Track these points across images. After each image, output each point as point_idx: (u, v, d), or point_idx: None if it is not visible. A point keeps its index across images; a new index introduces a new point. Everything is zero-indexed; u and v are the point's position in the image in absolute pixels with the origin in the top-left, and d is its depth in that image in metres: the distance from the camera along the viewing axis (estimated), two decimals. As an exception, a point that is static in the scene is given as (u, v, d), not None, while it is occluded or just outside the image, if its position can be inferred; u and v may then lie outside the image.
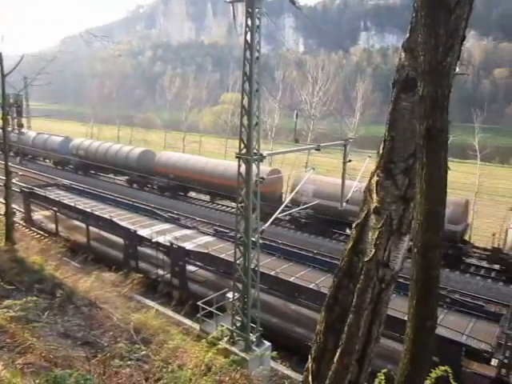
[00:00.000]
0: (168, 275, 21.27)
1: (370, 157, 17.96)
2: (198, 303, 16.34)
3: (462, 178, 45.33)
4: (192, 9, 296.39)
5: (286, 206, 18.92)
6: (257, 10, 12.54)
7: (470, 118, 47.47)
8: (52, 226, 28.22)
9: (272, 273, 17.70)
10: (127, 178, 44.29)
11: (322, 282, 16.46)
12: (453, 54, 3.33)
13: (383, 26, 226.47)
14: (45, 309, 9.13)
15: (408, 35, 3.72)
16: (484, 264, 26.17)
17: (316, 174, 28.87)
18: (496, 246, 26.82)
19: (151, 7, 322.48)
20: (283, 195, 34.06)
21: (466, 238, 28.32)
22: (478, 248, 28.40)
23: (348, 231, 27.97)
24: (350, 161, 18.32)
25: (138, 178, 42.35)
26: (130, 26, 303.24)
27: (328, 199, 27.61)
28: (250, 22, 12.62)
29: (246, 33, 12.74)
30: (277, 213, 15.12)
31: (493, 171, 53.92)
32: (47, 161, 55.99)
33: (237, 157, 13.57)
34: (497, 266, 25.26)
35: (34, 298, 8.84)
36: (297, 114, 16.16)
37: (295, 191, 20.88)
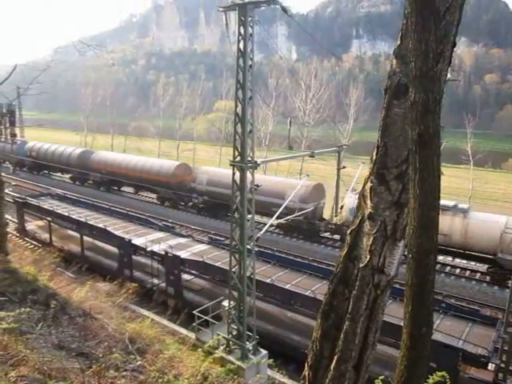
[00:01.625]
0: (163, 284, 21.15)
1: (363, 163, 18.08)
2: (194, 312, 16.24)
3: (455, 183, 45.65)
4: (185, 18, 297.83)
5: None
6: (249, 18, 12.63)
7: (462, 124, 47.89)
8: (46, 236, 28.02)
9: (267, 280, 17.65)
10: (71, 175, 49.52)
11: (318, 289, 16.42)
12: (443, 60, 3.36)
13: (375, 34, 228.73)
14: (38, 320, 9.02)
15: (399, 42, 3.75)
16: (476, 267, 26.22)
17: (209, 166, 39.17)
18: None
19: (144, 16, 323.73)
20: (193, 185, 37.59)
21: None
22: (330, 224, 30.21)
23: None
24: (344, 167, 18.45)
25: (78, 175, 47.61)
26: (123, 35, 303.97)
27: (218, 186, 33.79)
28: (242, 31, 12.70)
29: (238, 41, 12.82)
30: (272, 220, 15.11)
31: (486, 176, 54.28)
32: (7, 163, 56.37)
33: (231, 164, 13.58)
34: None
35: (28, 309, 8.74)
36: (290, 121, 16.27)
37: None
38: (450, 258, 26.80)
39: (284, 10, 12.65)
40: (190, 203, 37.59)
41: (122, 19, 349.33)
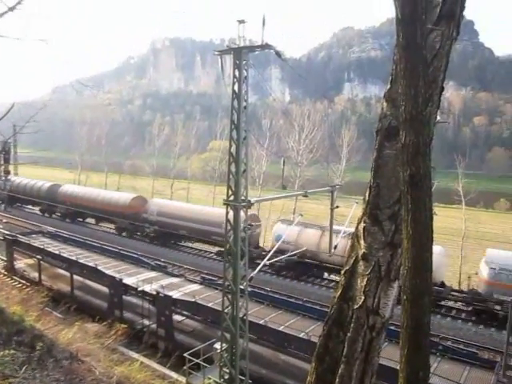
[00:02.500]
0: (154, 325, 20.64)
1: (357, 203, 18.14)
2: (185, 354, 15.78)
3: (448, 223, 45.84)
4: (181, 60, 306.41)
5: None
6: (244, 61, 13.02)
7: (452, 164, 48.61)
8: (35, 274, 27.49)
9: (261, 322, 17.29)
10: (40, 207, 51.34)
11: (313, 331, 16.09)
12: (432, 104, 3.47)
13: (366, 77, 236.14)
14: (23, 363, 8.72)
15: (389, 86, 3.88)
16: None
17: (160, 199, 44.98)
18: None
19: (141, 58, 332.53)
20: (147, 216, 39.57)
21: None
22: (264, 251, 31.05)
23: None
24: (337, 207, 18.48)
25: (46, 207, 49.56)
26: (120, 76, 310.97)
27: (166, 217, 36.98)
28: (237, 73, 13.06)
29: (233, 83, 13.15)
30: (265, 260, 15.00)
31: (478, 215, 54.64)
32: None
33: (225, 203, 13.59)
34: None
35: (12, 352, 8.47)
36: (284, 161, 16.41)
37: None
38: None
39: (278, 54, 13.07)
40: (145, 233, 39.70)
41: (120, 60, 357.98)
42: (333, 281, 29.77)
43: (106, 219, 44.26)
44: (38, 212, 52.39)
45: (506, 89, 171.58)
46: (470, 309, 25.58)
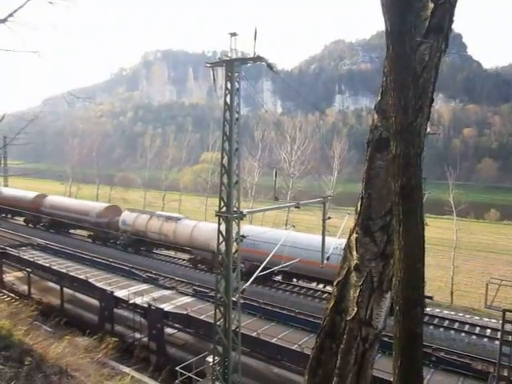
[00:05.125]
0: (145, 339, 20.39)
1: (349, 214, 18.16)
2: (177, 368, 15.58)
3: (440, 234, 46.08)
4: (173, 72, 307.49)
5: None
6: (236, 74, 13.11)
7: (443, 175, 49.04)
8: (24, 287, 27.09)
9: (253, 334, 17.15)
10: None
11: (306, 343, 15.99)
12: (422, 115, 3.50)
13: (356, 89, 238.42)
14: (10, 378, 8.55)
15: (379, 98, 3.91)
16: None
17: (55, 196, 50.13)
18: None
19: (133, 70, 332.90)
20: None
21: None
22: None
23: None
24: (329, 218, 18.50)
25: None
26: (112, 88, 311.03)
27: (60, 210, 43.71)
28: (229, 85, 13.14)
29: (225, 95, 13.22)
30: (257, 272, 14.93)
31: (469, 226, 55.01)
32: None
33: (217, 215, 13.55)
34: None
35: (0, 367, 8.30)
36: (276, 173, 16.42)
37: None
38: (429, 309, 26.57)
39: (270, 66, 13.18)
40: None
41: (112, 72, 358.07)
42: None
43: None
44: (23, 223, 52.71)
45: (494, 101, 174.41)
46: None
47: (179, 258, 37.40)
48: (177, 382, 15.43)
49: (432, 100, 3.77)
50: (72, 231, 46.81)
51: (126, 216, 38.34)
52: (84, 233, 44.49)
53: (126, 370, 17.01)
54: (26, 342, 12.12)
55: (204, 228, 32.72)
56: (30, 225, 49.33)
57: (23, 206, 49.01)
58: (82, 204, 45.01)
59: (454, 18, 3.80)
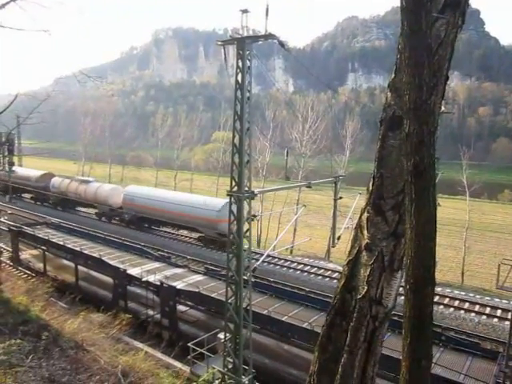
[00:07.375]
0: (158, 315, 20.77)
1: (360, 193, 18.08)
2: (189, 344, 15.89)
3: (452, 214, 45.76)
4: (184, 51, 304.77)
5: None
6: (247, 52, 12.93)
7: (457, 155, 48.40)
8: (40, 265, 27.68)
9: (264, 312, 17.37)
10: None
11: (316, 321, 16.15)
12: (437, 93, 3.43)
13: (370, 67, 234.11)
14: (29, 352, 8.81)
15: (393, 76, 3.84)
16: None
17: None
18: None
19: (144, 49, 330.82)
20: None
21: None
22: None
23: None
24: (340, 198, 18.45)
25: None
26: (123, 67, 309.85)
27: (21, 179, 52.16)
28: (240, 64, 12.98)
29: (237, 74, 13.08)
30: (268, 250, 15.02)
31: (482, 207, 54.50)
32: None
33: (228, 194, 13.59)
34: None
35: (18, 341, 8.56)
36: (287, 152, 16.34)
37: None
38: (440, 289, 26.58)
39: (281, 44, 12.98)
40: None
41: (123, 51, 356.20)
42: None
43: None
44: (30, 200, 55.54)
45: (511, 79, 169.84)
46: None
47: (190, 237, 37.88)
48: (189, 357, 15.75)
49: (447, 78, 3.69)
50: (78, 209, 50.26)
51: (55, 181, 48.96)
52: (91, 210, 46.84)
53: (140, 345, 17.39)
54: (42, 317, 12.45)
55: (106, 188, 43.38)
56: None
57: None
58: (27, 171, 54.39)
59: (472, -7, 3.69)
